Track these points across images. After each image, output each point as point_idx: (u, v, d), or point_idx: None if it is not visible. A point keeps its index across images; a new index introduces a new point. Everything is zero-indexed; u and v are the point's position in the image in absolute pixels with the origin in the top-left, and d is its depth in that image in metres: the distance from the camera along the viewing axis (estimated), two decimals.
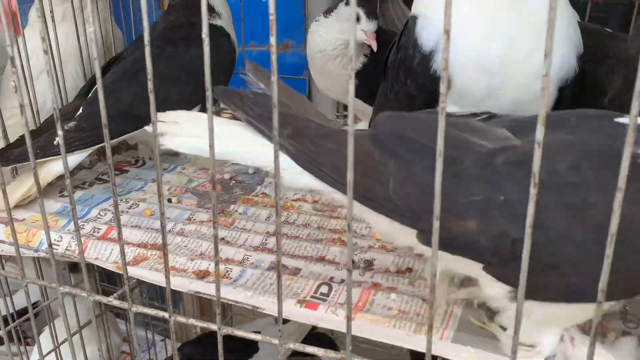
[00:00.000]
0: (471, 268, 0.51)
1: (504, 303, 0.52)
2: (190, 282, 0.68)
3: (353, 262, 0.73)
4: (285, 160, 0.53)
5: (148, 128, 0.55)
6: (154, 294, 1.75)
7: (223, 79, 1.04)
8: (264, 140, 0.54)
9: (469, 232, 0.47)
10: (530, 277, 0.46)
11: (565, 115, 0.52)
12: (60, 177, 0.93)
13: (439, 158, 0.42)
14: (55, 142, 0.86)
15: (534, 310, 0.50)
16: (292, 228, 0.82)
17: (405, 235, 0.52)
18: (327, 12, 1.06)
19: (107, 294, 0.82)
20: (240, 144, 0.55)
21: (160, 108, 0.98)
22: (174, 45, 0.99)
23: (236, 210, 0.88)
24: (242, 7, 1.33)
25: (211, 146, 0.48)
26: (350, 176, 0.43)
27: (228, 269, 0.71)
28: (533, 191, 0.38)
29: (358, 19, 0.97)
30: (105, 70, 1.02)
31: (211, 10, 1.04)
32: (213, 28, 1.04)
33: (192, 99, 1.01)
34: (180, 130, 0.55)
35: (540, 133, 0.38)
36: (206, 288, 0.66)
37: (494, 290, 0.52)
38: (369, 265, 0.71)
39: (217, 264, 0.54)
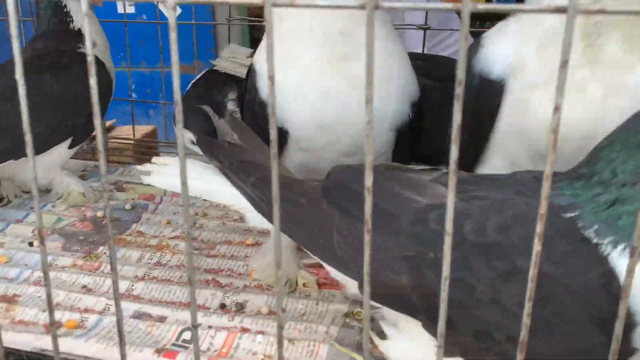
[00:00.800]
0: (408, 319, 0.49)
1: (426, 352, 0.51)
2: (37, 339, 0.61)
3: (224, 305, 0.69)
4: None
5: (148, 179, 0.63)
6: None
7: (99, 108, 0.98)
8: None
9: (402, 287, 0.47)
10: (464, 339, 0.45)
11: (513, 176, 0.51)
12: None
13: (274, 204, 0.40)
14: None
15: None
16: (163, 270, 0.77)
17: (353, 285, 0.52)
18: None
19: None
20: (214, 185, 0.61)
21: (23, 142, 0.91)
22: (40, 74, 0.92)
23: (104, 253, 0.82)
24: (126, 30, 1.28)
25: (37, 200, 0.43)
26: (188, 223, 0.41)
27: (84, 318, 0.65)
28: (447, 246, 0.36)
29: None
30: None
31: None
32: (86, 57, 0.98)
33: (60, 131, 0.94)
34: (166, 170, 0.63)
35: (368, 181, 0.37)
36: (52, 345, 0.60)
37: (420, 339, 0.50)
38: (240, 308, 0.68)
39: (53, 327, 0.48)
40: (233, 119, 0.65)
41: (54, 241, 0.86)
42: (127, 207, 0.98)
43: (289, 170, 0.63)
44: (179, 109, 0.39)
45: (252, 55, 1.12)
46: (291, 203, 0.53)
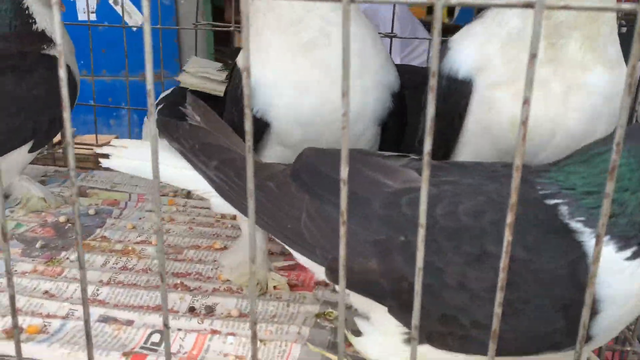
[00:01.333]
0: (377, 309, 0.49)
1: (395, 342, 0.51)
2: None
3: (193, 308, 0.68)
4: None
5: (107, 162, 0.61)
6: None
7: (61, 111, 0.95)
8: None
9: (371, 272, 0.47)
10: (429, 323, 0.45)
11: (483, 164, 0.52)
12: None
13: (249, 198, 0.40)
14: None
15: (430, 357, 0.49)
16: (129, 275, 0.75)
17: (320, 271, 0.51)
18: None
19: None
20: (175, 169, 0.59)
21: None
22: (2, 75, 0.89)
23: (67, 258, 0.79)
24: (90, 34, 1.26)
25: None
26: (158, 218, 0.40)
27: (47, 323, 0.63)
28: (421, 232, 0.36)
29: None
30: None
31: (49, 40, 0.96)
32: (51, 58, 0.95)
33: (20, 134, 0.91)
34: (126, 153, 0.61)
35: (344, 172, 0.38)
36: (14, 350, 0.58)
37: (388, 328, 0.51)
38: (210, 311, 0.67)
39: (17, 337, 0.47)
40: (195, 100, 0.63)
41: (12, 247, 0.82)
42: (91, 212, 0.95)
43: (255, 155, 0.62)
44: (151, 101, 0.38)
45: (222, 68, 1.09)
46: (258, 187, 0.52)
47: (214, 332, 0.63)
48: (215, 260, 0.80)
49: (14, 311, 0.46)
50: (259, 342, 0.60)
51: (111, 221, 0.93)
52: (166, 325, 0.43)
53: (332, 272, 0.50)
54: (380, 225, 0.47)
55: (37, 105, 0.92)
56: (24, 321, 0.63)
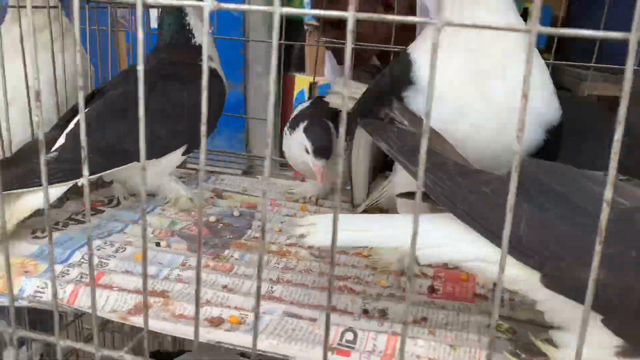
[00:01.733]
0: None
1: (604, 355, 0.53)
2: (207, 332, 0.64)
3: (367, 311, 0.72)
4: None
5: (307, 240, 0.60)
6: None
7: (213, 117, 1.02)
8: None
9: (597, 281, 0.49)
10: None
11: None
12: (32, 216, 0.85)
13: (507, 222, 0.44)
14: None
15: None
16: (294, 275, 0.80)
17: (526, 278, 0.54)
18: (291, 126, 1.03)
19: None
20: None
21: (149, 145, 0.95)
22: (166, 82, 0.97)
23: (232, 256, 0.85)
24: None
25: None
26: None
27: (242, 315, 0.68)
28: None
29: (308, 151, 0.96)
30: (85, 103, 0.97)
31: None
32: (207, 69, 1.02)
33: (180, 138, 0.98)
34: (320, 228, 0.61)
35: (608, 194, 0.41)
36: (228, 337, 0.63)
37: (597, 340, 0.52)
38: (383, 314, 0.71)
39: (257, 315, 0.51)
40: (402, 106, 0.68)
41: (177, 243, 0.89)
42: (235, 213, 1.01)
43: (465, 159, 0.64)
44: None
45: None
46: (473, 191, 0.56)
47: (396, 334, 0.66)
48: (367, 265, 0.84)
49: (259, 299, 0.50)
50: (448, 347, 0.63)
51: (256, 223, 0.98)
52: (404, 323, 0.46)
53: (548, 279, 0.53)
54: (610, 239, 0.50)
55: (195, 111, 0.98)
56: (222, 312, 0.68)
